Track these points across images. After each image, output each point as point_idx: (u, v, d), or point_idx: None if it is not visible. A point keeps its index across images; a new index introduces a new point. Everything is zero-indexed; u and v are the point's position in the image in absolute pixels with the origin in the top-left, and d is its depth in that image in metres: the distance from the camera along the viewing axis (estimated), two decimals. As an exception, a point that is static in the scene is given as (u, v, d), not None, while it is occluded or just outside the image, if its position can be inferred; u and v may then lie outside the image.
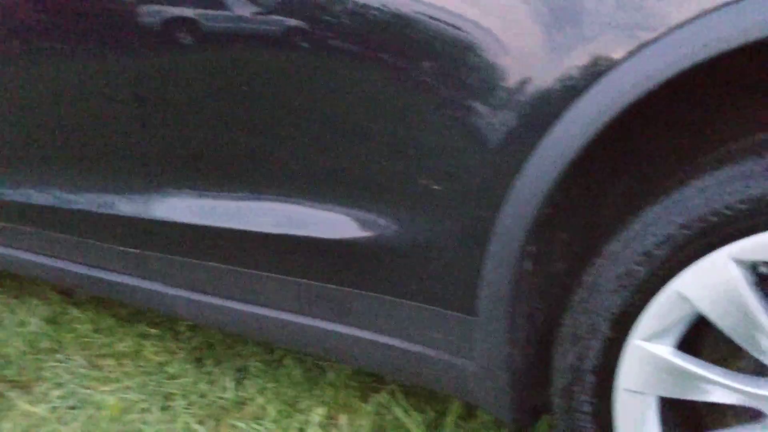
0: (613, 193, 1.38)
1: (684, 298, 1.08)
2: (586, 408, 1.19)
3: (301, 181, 1.47)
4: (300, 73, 1.39)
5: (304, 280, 1.53)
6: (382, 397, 1.80)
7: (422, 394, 1.84)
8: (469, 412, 1.77)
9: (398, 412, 1.72)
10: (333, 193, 1.42)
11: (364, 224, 1.39)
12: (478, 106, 1.19)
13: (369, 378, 1.93)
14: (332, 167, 1.39)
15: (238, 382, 1.96)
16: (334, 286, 1.48)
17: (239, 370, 2.02)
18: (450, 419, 1.72)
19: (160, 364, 2.07)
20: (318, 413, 1.78)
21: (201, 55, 1.52)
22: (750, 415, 1.15)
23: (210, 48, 1.50)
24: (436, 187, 1.27)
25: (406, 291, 1.39)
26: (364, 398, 1.83)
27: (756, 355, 1.07)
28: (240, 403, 1.88)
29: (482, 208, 1.22)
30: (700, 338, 1.23)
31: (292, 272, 1.54)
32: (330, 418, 1.79)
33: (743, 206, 1.02)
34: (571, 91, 1.10)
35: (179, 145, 1.66)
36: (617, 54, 1.07)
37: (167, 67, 1.59)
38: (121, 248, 1.86)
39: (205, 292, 1.74)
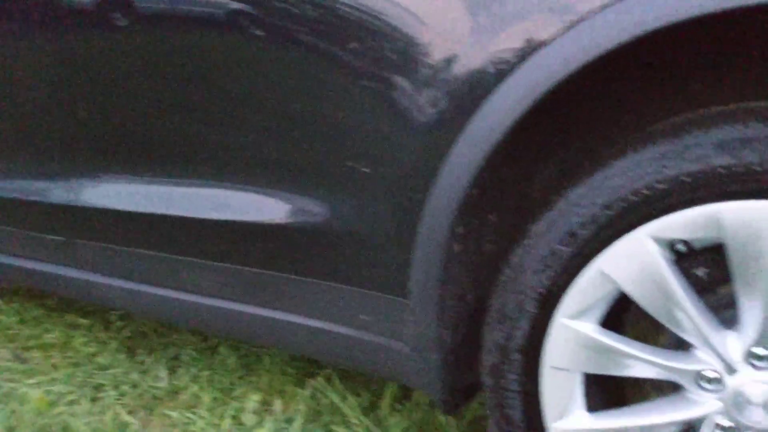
0: (542, 175, 1.41)
1: (606, 277, 1.11)
2: (514, 386, 1.21)
3: (231, 165, 1.45)
4: (226, 56, 1.36)
5: (237, 266, 1.51)
6: (318, 382, 1.80)
7: (359, 378, 1.85)
8: (405, 394, 1.78)
9: (333, 396, 1.72)
10: (263, 177, 1.41)
11: (294, 208, 1.38)
12: (405, 88, 1.19)
13: (305, 363, 1.92)
14: (261, 151, 1.37)
15: (172, 371, 1.93)
16: (266, 272, 1.47)
17: (173, 358, 1.99)
18: (386, 402, 1.73)
19: (90, 354, 2.02)
20: (253, 400, 1.77)
21: (133, 37, 1.48)
22: (670, 387, 1.19)
23: (142, 30, 1.46)
24: (365, 169, 1.26)
25: (338, 275, 1.39)
26: (301, 384, 1.83)
27: (674, 330, 1.11)
28: (173, 393, 1.85)
29: (411, 190, 1.22)
30: (624, 315, 1.27)
31: (225, 258, 1.52)
32: (265, 404, 1.78)
33: (661, 186, 1.05)
34: (497, 72, 1.11)
35: (107, 130, 1.61)
36: (544, 34, 1.08)
37: (98, 49, 1.54)
38: (50, 237, 1.80)
39: (137, 281, 1.70)
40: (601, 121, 1.33)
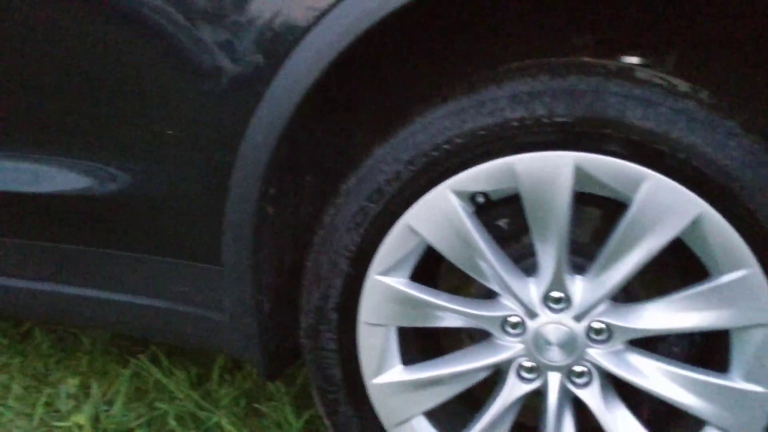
0: (360, 134, 1.41)
1: (414, 232, 1.13)
2: (332, 345, 1.22)
3: (26, 132, 1.33)
4: (15, 17, 1.24)
5: (37, 242, 1.39)
6: (142, 360, 1.72)
7: (188, 353, 1.79)
8: (236, 365, 1.75)
9: (157, 373, 1.65)
10: (61, 144, 1.30)
11: (94, 177, 1.28)
12: (207, 47, 1.13)
13: (130, 342, 1.83)
14: (49, 115, 1.26)
15: (-23, 362, 1.77)
16: (70, 246, 1.36)
17: (-22, 348, 1.83)
18: (215, 374, 1.69)
19: None
20: (71, 384, 1.66)
21: None
22: (482, 336, 1.24)
23: None
24: (170, 132, 1.20)
25: (148, 245, 1.31)
26: (124, 363, 1.74)
27: (479, 279, 1.15)
28: (-23, 385, 1.70)
29: (219, 152, 1.17)
30: (439, 269, 1.31)
31: (22, 234, 1.39)
32: (85, 388, 1.67)
33: (460, 140, 1.07)
34: (297, 30, 1.09)
35: None
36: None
37: None
38: None
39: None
40: (411, 78, 1.35)
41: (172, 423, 1.54)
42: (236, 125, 1.15)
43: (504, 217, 1.20)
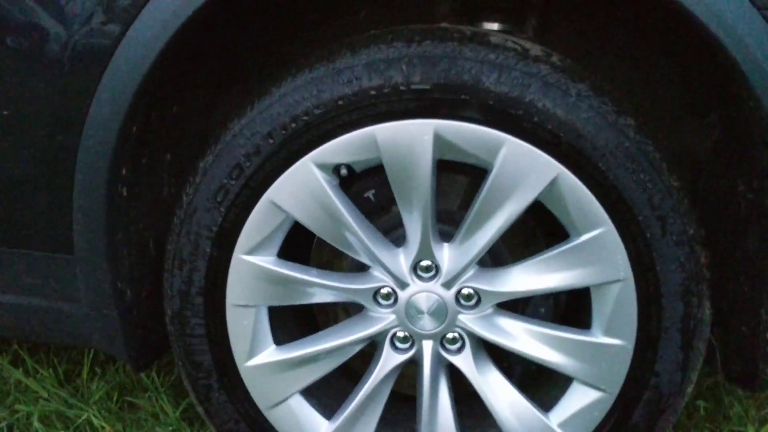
0: (219, 107, 1.35)
1: (278, 208, 1.09)
2: (199, 330, 1.17)
3: None
4: None
5: None
6: (1, 361, 1.59)
7: (55, 350, 1.68)
8: (107, 358, 1.66)
9: (18, 374, 1.54)
10: None
11: None
12: (40, 15, 1.04)
13: (-13, 342, 1.70)
14: None
15: None
16: None
17: None
18: (85, 369, 1.60)
19: None
20: None
21: None
22: (357, 310, 1.23)
23: None
24: (5, 112, 1.10)
25: (-7, 237, 1.21)
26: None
27: (348, 253, 1.13)
28: None
29: (60, 132, 1.09)
30: (309, 244, 1.28)
31: None
32: (-64, 397, 1.54)
33: (318, 111, 1.04)
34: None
35: None
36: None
37: None
38: None
39: None
40: (269, 48, 1.30)
41: (36, 425, 1.44)
42: (78, 102, 1.06)
43: (371, 188, 1.19)
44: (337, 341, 1.17)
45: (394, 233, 1.19)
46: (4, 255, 1.21)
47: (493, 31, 1.14)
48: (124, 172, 1.13)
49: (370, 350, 1.21)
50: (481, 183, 1.06)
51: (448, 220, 1.18)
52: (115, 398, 1.54)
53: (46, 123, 1.09)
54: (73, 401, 1.52)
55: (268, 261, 1.13)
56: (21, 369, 1.59)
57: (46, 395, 1.51)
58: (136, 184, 1.17)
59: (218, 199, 1.10)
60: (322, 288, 1.14)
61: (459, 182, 1.21)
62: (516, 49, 1.03)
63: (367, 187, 1.18)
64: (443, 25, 1.11)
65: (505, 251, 1.20)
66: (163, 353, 1.35)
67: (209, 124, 1.35)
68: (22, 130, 1.11)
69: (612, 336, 1.08)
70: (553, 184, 1.03)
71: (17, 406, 1.48)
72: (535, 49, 1.04)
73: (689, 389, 1.12)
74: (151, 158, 1.21)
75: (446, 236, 1.13)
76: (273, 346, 1.18)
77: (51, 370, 1.59)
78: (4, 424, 1.45)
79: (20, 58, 1.07)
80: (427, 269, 1.12)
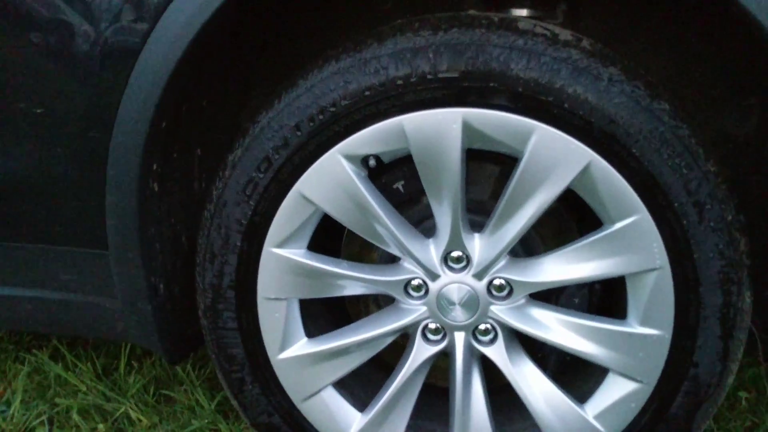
0: (252, 104, 1.35)
1: (307, 200, 1.09)
2: (231, 324, 1.17)
3: None
4: None
5: None
6: (39, 356, 1.62)
7: (93, 344, 1.71)
8: (144, 352, 1.68)
9: (57, 368, 1.57)
10: None
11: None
12: (69, 13, 1.06)
13: (29, 336, 1.73)
14: None
15: None
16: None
17: None
18: (122, 363, 1.62)
19: None
20: (-36, 388, 1.56)
21: None
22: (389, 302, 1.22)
23: None
24: (38, 110, 1.12)
25: (27, 233, 1.23)
26: (21, 360, 1.64)
27: (378, 244, 1.12)
28: None
29: (92, 128, 1.10)
30: (340, 236, 1.28)
31: None
32: (-20, 390, 1.58)
33: (345, 102, 1.04)
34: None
35: None
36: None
37: None
38: None
39: None
40: (298, 40, 1.30)
41: (76, 418, 1.47)
42: (108, 98, 1.07)
43: (401, 179, 1.18)
44: (369, 333, 1.16)
45: (424, 224, 1.18)
46: (41, 252, 1.23)
47: (522, 17, 1.12)
48: (155, 167, 1.14)
49: (402, 342, 1.21)
50: (512, 172, 1.05)
51: (479, 210, 1.16)
52: (151, 392, 1.56)
53: (78, 120, 1.11)
54: (111, 395, 1.54)
55: (298, 254, 1.13)
56: (60, 364, 1.62)
57: (84, 389, 1.53)
58: (168, 179, 1.18)
59: (247, 193, 1.10)
60: (352, 280, 1.14)
61: (489, 171, 1.19)
62: (545, 35, 1.01)
63: (397, 178, 1.17)
64: (470, 12, 1.09)
65: (538, 240, 1.18)
66: (198, 347, 1.36)
67: (240, 118, 1.35)
68: (55, 128, 1.12)
69: (649, 326, 1.05)
70: (585, 171, 1.00)
71: (57, 400, 1.51)
72: (565, 34, 1.02)
73: (730, 380, 1.09)
74: (182, 153, 1.22)
75: (477, 226, 1.12)
76: (305, 339, 1.18)
77: (89, 364, 1.62)
78: (45, 417, 1.48)
79: (51, 56, 1.09)
80: (458, 260, 1.11)
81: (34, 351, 1.63)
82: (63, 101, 1.10)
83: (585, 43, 1.02)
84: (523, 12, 1.24)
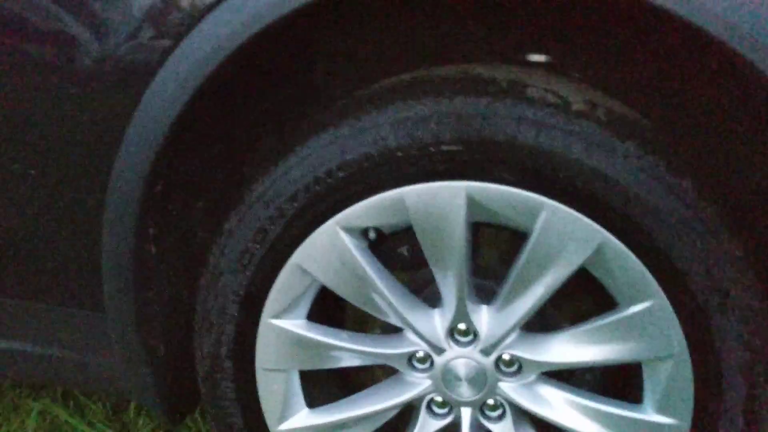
0: (254, 159, 1.30)
1: (304, 272, 1.04)
2: (231, 394, 1.13)
3: None
4: None
5: None
6: (43, 401, 1.61)
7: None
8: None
9: (63, 413, 1.55)
10: None
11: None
12: (61, 78, 1.02)
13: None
14: None
15: None
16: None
17: None
18: (132, 404, 1.60)
19: None
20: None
21: None
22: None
23: None
24: (30, 171, 1.08)
25: (30, 291, 1.20)
26: (25, 406, 1.63)
27: (378, 316, 1.07)
28: None
29: (86, 191, 1.06)
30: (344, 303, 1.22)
31: None
32: (-8, 430, 1.57)
33: (342, 173, 0.98)
34: (159, 53, 0.97)
35: None
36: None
37: None
38: None
39: None
40: (308, 84, 1.24)
41: (85, 462, 1.46)
42: (100, 162, 1.04)
43: (405, 244, 1.12)
44: (371, 407, 1.11)
45: (432, 286, 1.12)
46: (41, 311, 1.21)
47: (533, 79, 1.04)
48: (152, 230, 1.10)
49: (408, 409, 1.16)
50: (521, 244, 0.98)
51: (488, 275, 1.10)
52: (160, 437, 1.54)
53: (70, 180, 1.07)
54: (120, 437, 1.52)
55: (297, 324, 1.08)
56: (72, 402, 1.61)
57: (93, 430, 1.52)
58: (165, 241, 1.14)
59: (243, 263, 1.06)
60: (351, 353, 1.09)
61: (499, 235, 1.12)
62: (556, 104, 0.94)
63: (401, 243, 1.11)
64: (477, 71, 1.02)
65: (552, 311, 1.11)
66: (199, 404, 1.33)
67: (244, 169, 1.31)
68: (49, 190, 1.09)
69: (665, 414, 0.98)
70: (599, 251, 0.93)
71: (65, 447, 1.50)
72: (578, 102, 0.95)
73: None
74: (181, 209, 1.17)
75: (485, 293, 1.05)
76: (306, 410, 1.13)
77: (100, 404, 1.61)
78: (53, 463, 1.47)
79: (48, 116, 1.05)
80: (464, 333, 1.05)
81: (42, 392, 1.61)
82: (56, 164, 1.06)
83: (600, 112, 0.94)
84: (542, 57, 1.17)
